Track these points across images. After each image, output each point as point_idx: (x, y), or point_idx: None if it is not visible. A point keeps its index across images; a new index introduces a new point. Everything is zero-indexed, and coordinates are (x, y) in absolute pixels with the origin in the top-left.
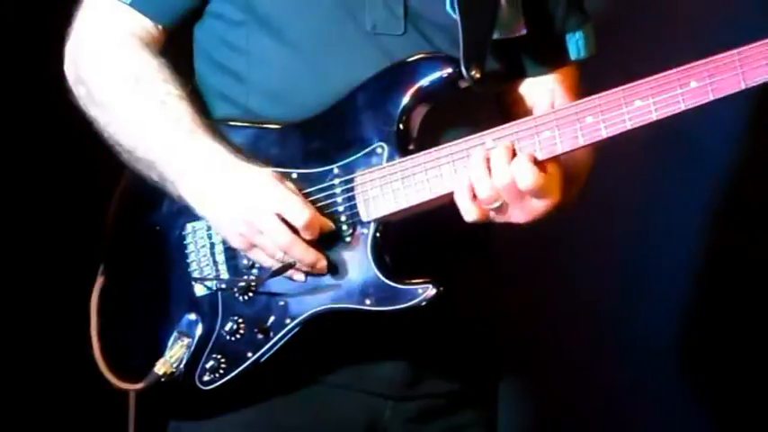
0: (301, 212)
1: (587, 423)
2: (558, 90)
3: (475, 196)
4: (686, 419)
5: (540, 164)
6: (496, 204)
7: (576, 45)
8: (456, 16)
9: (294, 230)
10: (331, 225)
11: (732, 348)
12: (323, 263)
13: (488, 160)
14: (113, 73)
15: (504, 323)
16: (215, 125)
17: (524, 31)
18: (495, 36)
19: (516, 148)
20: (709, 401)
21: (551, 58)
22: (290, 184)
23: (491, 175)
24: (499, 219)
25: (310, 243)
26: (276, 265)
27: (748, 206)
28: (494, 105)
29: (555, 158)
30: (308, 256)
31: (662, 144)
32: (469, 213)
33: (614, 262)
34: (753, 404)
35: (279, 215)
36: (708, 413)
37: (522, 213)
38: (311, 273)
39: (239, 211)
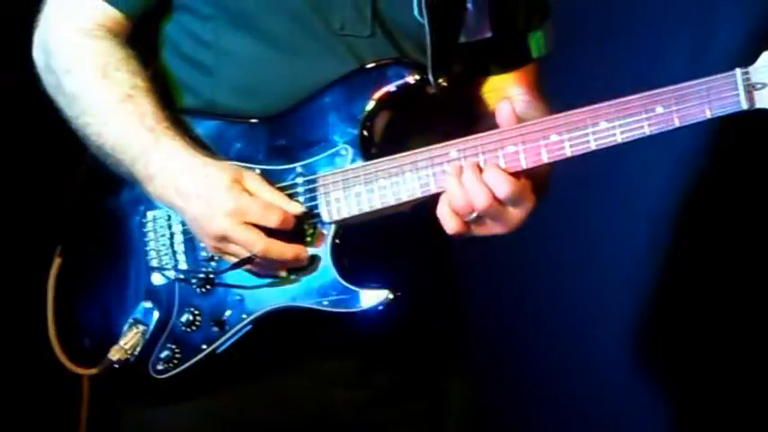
0: (272, 214)
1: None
2: (519, 88)
3: (454, 209)
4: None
5: (513, 173)
6: (473, 216)
7: (537, 43)
8: (423, 21)
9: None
10: (300, 208)
11: (727, 346)
12: (306, 254)
13: (460, 173)
14: (82, 63)
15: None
16: (179, 116)
17: (490, 34)
18: (462, 40)
19: (481, 161)
20: (704, 401)
21: (514, 57)
22: (252, 176)
23: (466, 189)
24: (480, 231)
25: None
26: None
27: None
28: (459, 109)
29: None
30: (286, 252)
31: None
32: (450, 226)
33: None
34: (750, 405)
35: (250, 222)
36: (700, 412)
37: (501, 224)
38: (289, 266)
39: (208, 227)
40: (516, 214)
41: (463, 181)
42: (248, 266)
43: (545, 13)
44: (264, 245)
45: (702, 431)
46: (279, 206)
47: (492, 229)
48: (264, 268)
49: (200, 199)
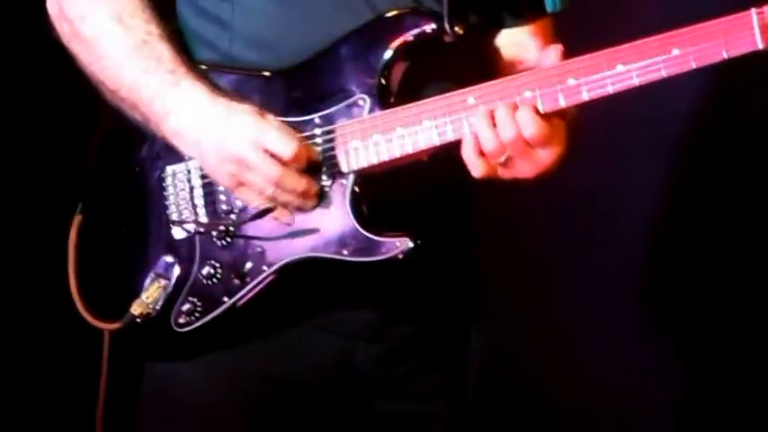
0: (289, 143)
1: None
2: (534, 42)
3: (481, 151)
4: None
5: (543, 114)
6: (502, 158)
7: None
8: None
9: (284, 162)
10: (317, 154)
11: (730, 342)
12: (315, 190)
13: (492, 114)
14: (96, 10)
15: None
16: (196, 67)
17: None
18: None
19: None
20: (709, 397)
21: (529, 10)
22: (272, 118)
23: (496, 127)
24: (506, 174)
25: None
26: (261, 206)
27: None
28: (475, 59)
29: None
30: (300, 184)
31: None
32: (476, 168)
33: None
34: (755, 403)
35: (265, 149)
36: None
37: (529, 166)
38: (301, 206)
39: (227, 149)
40: (545, 156)
41: (497, 119)
42: (268, 216)
43: None
44: (280, 170)
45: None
46: (296, 139)
47: (519, 170)
48: (284, 216)
49: (219, 127)
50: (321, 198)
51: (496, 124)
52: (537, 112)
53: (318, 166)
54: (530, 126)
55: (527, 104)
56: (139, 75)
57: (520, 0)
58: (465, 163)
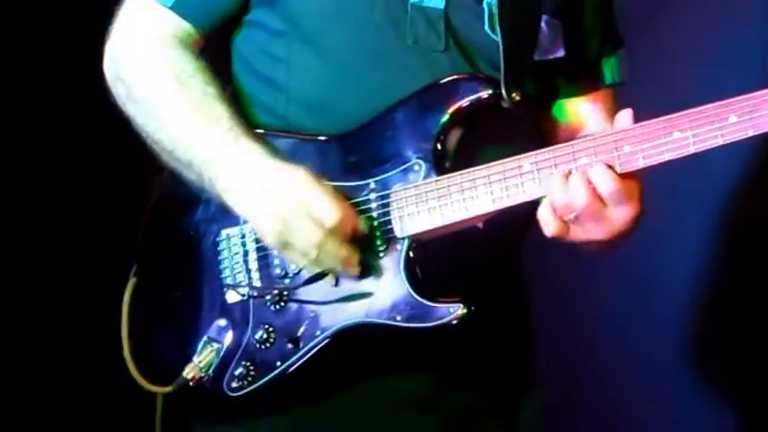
0: (333, 211)
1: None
2: (593, 113)
3: (555, 210)
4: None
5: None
6: (572, 215)
7: (610, 70)
8: (496, 37)
9: (327, 228)
10: (363, 227)
11: (738, 349)
12: (355, 260)
13: (567, 175)
14: (155, 72)
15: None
16: (252, 129)
17: (563, 53)
18: (535, 58)
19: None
20: (716, 403)
21: (587, 81)
22: (326, 183)
23: (569, 184)
24: (578, 234)
25: (343, 243)
26: (310, 269)
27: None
28: (530, 126)
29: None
30: (340, 253)
31: None
32: (549, 227)
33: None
34: (759, 406)
35: (310, 213)
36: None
37: (601, 227)
38: (344, 273)
39: (275, 208)
40: (618, 218)
41: (569, 180)
42: (322, 282)
43: (619, 41)
44: (321, 235)
45: None
46: (347, 208)
47: (591, 232)
48: (338, 277)
49: (270, 185)
50: (374, 263)
51: (568, 184)
52: (611, 168)
53: (371, 233)
54: (606, 181)
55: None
56: (197, 134)
57: (578, 71)
58: (538, 221)
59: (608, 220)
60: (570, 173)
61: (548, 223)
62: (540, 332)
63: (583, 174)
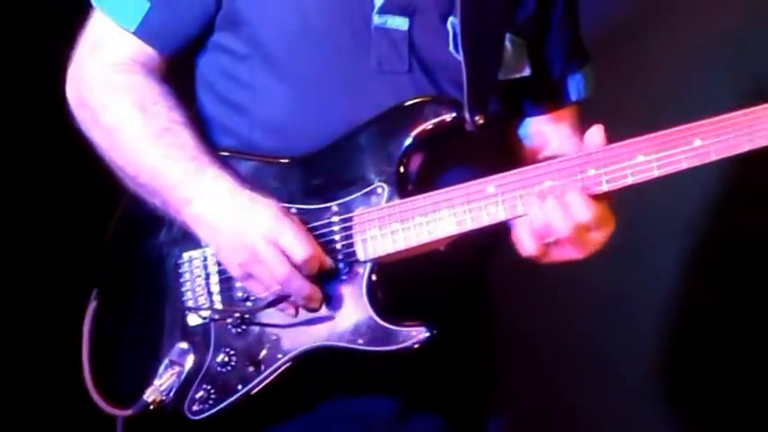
0: (302, 247)
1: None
2: (558, 131)
3: (534, 232)
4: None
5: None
6: (551, 238)
7: (576, 86)
8: (460, 57)
9: (294, 264)
10: (330, 263)
11: (731, 351)
12: (318, 297)
13: (543, 195)
14: (118, 98)
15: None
16: (218, 155)
17: (528, 72)
18: (500, 77)
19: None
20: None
21: (552, 99)
22: (296, 219)
23: (546, 211)
24: (556, 255)
25: (308, 278)
26: (270, 298)
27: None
28: (495, 147)
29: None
30: (304, 289)
31: None
32: (527, 248)
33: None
34: (752, 410)
35: (279, 247)
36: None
37: (579, 248)
38: (305, 307)
39: (242, 239)
40: (597, 238)
41: (546, 205)
42: (282, 305)
43: (585, 57)
44: (287, 270)
45: None
46: (313, 246)
47: (569, 253)
48: (299, 307)
49: (239, 216)
50: (337, 287)
51: (546, 209)
52: (591, 196)
53: (334, 265)
54: (584, 210)
55: (574, 188)
56: (162, 161)
57: (542, 89)
58: (510, 241)
59: (588, 242)
60: (546, 196)
61: (526, 244)
62: (513, 345)
63: (560, 198)
